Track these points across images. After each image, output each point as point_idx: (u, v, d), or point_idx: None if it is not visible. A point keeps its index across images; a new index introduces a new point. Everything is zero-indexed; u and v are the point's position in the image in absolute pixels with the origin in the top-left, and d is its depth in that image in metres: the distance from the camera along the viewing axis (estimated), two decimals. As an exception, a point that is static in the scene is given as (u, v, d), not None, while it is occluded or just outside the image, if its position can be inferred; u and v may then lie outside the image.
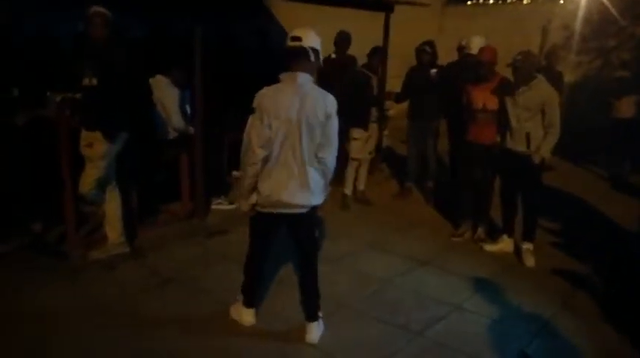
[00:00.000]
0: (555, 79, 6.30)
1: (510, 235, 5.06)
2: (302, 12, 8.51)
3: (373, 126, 6.25)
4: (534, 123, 4.62)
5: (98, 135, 4.27)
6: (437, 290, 4.32)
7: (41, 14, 6.59)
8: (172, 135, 5.48)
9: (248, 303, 3.68)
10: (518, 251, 4.96)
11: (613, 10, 9.89)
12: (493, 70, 4.97)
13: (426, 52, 6.04)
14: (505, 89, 4.79)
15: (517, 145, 4.70)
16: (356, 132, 6.01)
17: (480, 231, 5.26)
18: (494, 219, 5.33)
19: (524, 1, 11.55)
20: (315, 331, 3.53)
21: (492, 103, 4.87)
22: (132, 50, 4.61)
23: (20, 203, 4.66)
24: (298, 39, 3.19)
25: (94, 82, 4.23)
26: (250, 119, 3.27)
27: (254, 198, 3.35)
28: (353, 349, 3.49)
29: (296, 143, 3.23)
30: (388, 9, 6.98)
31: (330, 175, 3.43)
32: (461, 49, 6.33)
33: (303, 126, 3.20)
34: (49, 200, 4.73)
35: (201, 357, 3.35)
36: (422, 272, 4.64)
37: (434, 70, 6.04)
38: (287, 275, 4.37)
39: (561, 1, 10.94)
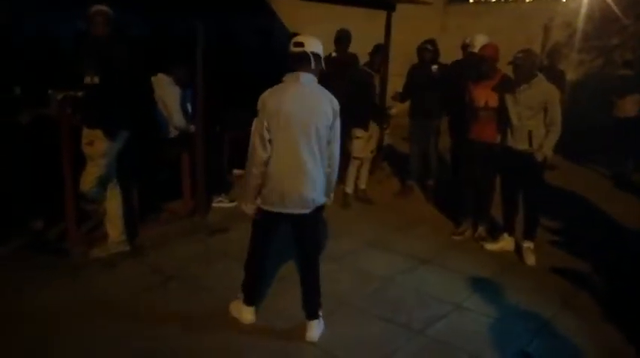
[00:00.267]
0: (557, 78, 6.29)
1: (511, 234, 5.05)
2: (303, 10, 8.53)
3: (374, 125, 6.24)
4: (536, 122, 4.61)
5: (99, 133, 4.27)
6: (438, 288, 4.31)
7: (42, 13, 6.60)
8: (173, 133, 5.48)
9: (248, 301, 3.69)
10: (519, 249, 4.96)
11: (615, 9, 9.86)
12: (495, 67, 4.96)
13: (427, 50, 6.04)
14: (506, 87, 4.78)
15: (519, 143, 4.69)
16: (358, 131, 6.00)
17: (481, 229, 5.26)
18: (495, 217, 5.33)
19: (527, 0, 11.53)
20: (315, 329, 3.54)
21: (494, 101, 4.86)
22: (133, 48, 4.61)
23: (21, 201, 4.67)
24: (301, 44, 3.31)
25: (96, 80, 4.24)
26: (254, 122, 3.32)
27: (258, 201, 3.39)
28: (354, 347, 3.49)
29: (301, 143, 3.25)
30: (390, 7, 6.97)
31: (334, 176, 3.53)
32: (465, 47, 6.32)
33: (308, 126, 3.23)
34: (50, 198, 4.73)
35: (202, 355, 3.36)
36: (423, 271, 4.64)
37: (435, 66, 6.03)
38: (288, 272, 4.37)
39: (563, 0, 10.91)
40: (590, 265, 4.81)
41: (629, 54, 9.49)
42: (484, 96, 4.92)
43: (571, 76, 8.59)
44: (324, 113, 3.28)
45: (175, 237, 5.00)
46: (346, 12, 6.83)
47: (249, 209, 3.45)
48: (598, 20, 10.31)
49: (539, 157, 4.62)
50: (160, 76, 5.42)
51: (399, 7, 6.98)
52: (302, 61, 3.30)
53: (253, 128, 3.32)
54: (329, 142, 3.37)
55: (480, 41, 5.71)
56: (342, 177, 5.95)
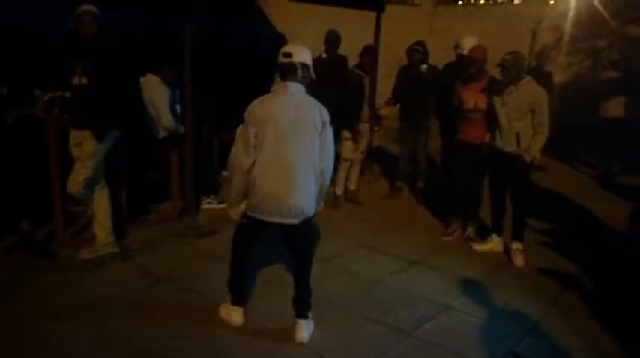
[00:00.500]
0: (545, 80, 6.32)
1: (500, 235, 5.08)
2: (293, 11, 8.52)
3: (365, 126, 6.25)
4: (524, 123, 4.64)
5: (87, 134, 4.25)
6: (427, 289, 4.32)
7: (29, 12, 6.54)
8: (162, 134, 5.46)
9: (236, 302, 3.68)
10: (507, 250, 4.98)
11: (603, 11, 9.94)
12: (484, 69, 4.98)
13: (417, 51, 6.05)
14: (494, 88, 4.80)
15: (507, 145, 4.72)
16: (348, 133, 6.01)
17: (470, 230, 5.28)
18: (484, 218, 5.35)
19: (515, 2, 11.59)
20: (304, 329, 3.54)
21: (483, 103, 4.88)
22: (122, 49, 4.59)
23: (8, 202, 4.62)
24: (289, 55, 3.33)
25: (84, 80, 4.22)
26: (239, 129, 3.34)
27: (243, 206, 3.43)
28: (342, 348, 3.49)
29: (289, 152, 3.26)
30: (380, 8, 6.98)
31: (325, 187, 3.53)
32: (457, 48, 6.34)
33: (297, 136, 3.25)
34: (37, 199, 4.69)
35: (191, 356, 3.34)
36: (412, 272, 4.65)
37: (424, 66, 6.03)
38: (276, 275, 4.36)
39: (551, 2, 10.99)
40: (579, 266, 4.84)
41: (616, 55, 9.56)
42: (473, 98, 4.94)
43: (559, 77, 8.64)
44: (313, 122, 3.29)
45: (164, 239, 4.98)
46: (336, 13, 6.83)
47: (234, 214, 3.50)
48: (585, 23, 10.38)
49: (527, 159, 4.64)
50: (149, 76, 5.40)
51: (388, 8, 7.00)
52: (290, 72, 3.32)
53: (237, 135, 3.34)
54: (322, 153, 3.36)
55: (468, 43, 5.73)
56: (332, 179, 5.95)
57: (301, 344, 3.48)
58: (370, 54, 6.33)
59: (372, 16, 6.96)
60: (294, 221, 3.36)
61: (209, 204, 5.86)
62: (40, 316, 3.63)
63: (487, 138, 4.93)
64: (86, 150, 4.28)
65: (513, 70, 4.58)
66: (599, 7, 9.93)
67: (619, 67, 8.10)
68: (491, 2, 11.95)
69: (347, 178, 6.34)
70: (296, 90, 3.32)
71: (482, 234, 5.24)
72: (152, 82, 5.39)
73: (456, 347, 3.54)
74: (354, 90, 6.03)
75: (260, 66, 6.71)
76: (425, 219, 5.95)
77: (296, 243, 3.54)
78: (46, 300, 3.84)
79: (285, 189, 3.28)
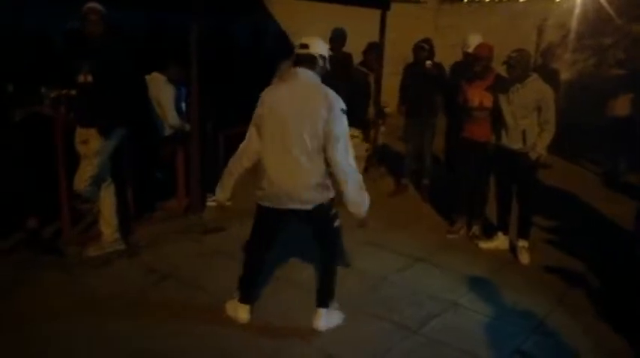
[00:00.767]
0: (551, 77, 6.30)
1: (505, 232, 5.07)
2: (298, 8, 8.52)
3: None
4: (530, 121, 4.62)
5: (93, 131, 4.26)
6: (432, 287, 4.32)
7: (35, 11, 6.56)
8: (168, 132, 5.47)
9: (243, 299, 3.69)
10: (513, 248, 4.97)
11: (609, 9, 9.90)
12: (489, 67, 4.97)
13: (423, 49, 6.04)
14: (500, 86, 4.79)
15: (513, 143, 4.70)
16: (355, 130, 6.00)
17: (475, 228, 5.27)
18: (490, 216, 5.34)
19: (520, 0, 11.56)
20: (321, 318, 3.58)
21: (488, 101, 4.86)
22: (127, 47, 4.60)
23: (15, 199, 4.64)
24: (306, 46, 3.36)
25: (90, 78, 4.23)
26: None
27: (228, 192, 3.56)
28: (348, 345, 3.48)
29: (293, 140, 3.25)
30: (385, 6, 6.97)
31: (344, 175, 3.29)
32: (463, 47, 6.31)
33: (301, 123, 3.23)
34: (44, 196, 4.71)
35: (197, 354, 3.35)
36: (418, 269, 4.64)
37: (429, 62, 6.02)
38: (284, 272, 4.37)
39: (557, 0, 10.95)
40: (585, 264, 4.83)
41: (622, 53, 9.53)
42: (478, 96, 4.93)
43: (564, 75, 8.61)
44: (317, 110, 3.22)
45: (170, 236, 4.99)
46: (340, 11, 6.83)
47: (218, 195, 3.61)
48: (591, 20, 10.35)
49: (533, 156, 4.63)
50: (155, 74, 5.42)
51: (393, 6, 6.99)
52: (307, 62, 3.34)
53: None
54: (329, 140, 3.22)
55: (473, 41, 5.71)
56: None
57: (307, 342, 3.48)
58: (374, 51, 6.32)
59: (377, 13, 6.95)
60: (307, 206, 3.35)
61: (215, 202, 5.85)
62: (43, 315, 3.63)
63: (493, 139, 4.91)
64: (92, 147, 4.29)
65: (519, 67, 4.57)
66: (605, 5, 9.90)
67: (625, 65, 8.07)
68: (496, 0, 11.91)
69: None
70: (306, 76, 3.33)
71: (488, 232, 5.23)
72: (157, 80, 5.40)
73: (462, 345, 3.54)
74: (360, 88, 6.02)
75: (262, 64, 6.73)
76: (430, 217, 5.94)
77: (314, 230, 3.55)
78: (50, 298, 3.85)
79: (287, 177, 3.28)
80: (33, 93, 4.73)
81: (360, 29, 6.63)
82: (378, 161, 7.36)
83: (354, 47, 6.35)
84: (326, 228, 3.53)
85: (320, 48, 3.40)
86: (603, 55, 10.42)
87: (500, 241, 5.06)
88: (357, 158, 6.11)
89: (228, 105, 5.94)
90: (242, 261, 3.68)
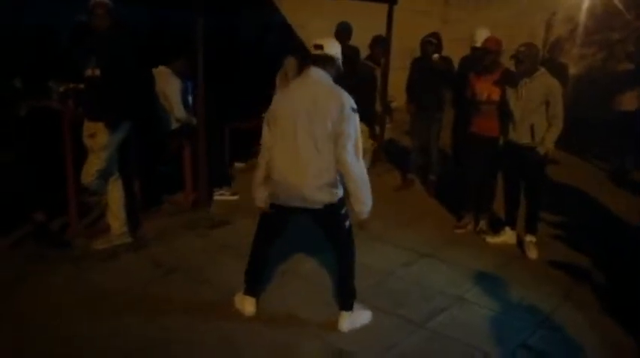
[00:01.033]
0: (559, 71, 6.26)
1: (513, 227, 5.06)
2: (304, 3, 8.51)
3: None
4: (538, 116, 4.60)
5: (101, 125, 4.28)
6: (439, 281, 4.32)
7: (42, 4, 6.57)
8: (175, 125, 5.48)
9: (249, 292, 3.70)
10: (521, 243, 4.96)
11: (618, 3, 9.84)
12: (498, 61, 4.95)
13: (431, 43, 6.01)
14: (508, 80, 4.77)
15: (521, 137, 4.68)
16: (363, 124, 5.98)
17: (483, 223, 5.26)
18: (497, 210, 5.33)
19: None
20: (344, 320, 3.57)
21: (496, 95, 4.85)
22: (134, 41, 4.61)
23: (23, 193, 4.66)
24: (320, 47, 3.39)
25: (97, 72, 4.23)
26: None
27: (265, 192, 3.43)
28: (354, 339, 3.49)
29: (302, 139, 3.24)
30: (392, 0, 6.95)
31: (353, 176, 3.28)
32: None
33: (313, 120, 3.22)
34: (51, 190, 4.73)
35: (203, 347, 3.36)
36: (424, 264, 4.64)
37: (436, 55, 5.99)
38: (290, 266, 4.39)
39: (565, -6, 10.90)
40: (592, 259, 4.82)
41: (631, 48, 9.46)
42: (486, 89, 4.91)
43: (572, 70, 8.56)
44: (328, 110, 3.21)
45: (177, 230, 5.01)
46: (347, 5, 6.82)
47: (256, 199, 3.49)
48: (600, 14, 10.29)
49: (541, 151, 4.61)
50: (161, 68, 5.42)
51: (400, 0, 6.97)
52: (322, 63, 3.37)
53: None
54: (340, 140, 3.21)
55: (480, 35, 5.69)
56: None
57: (314, 335, 3.49)
58: (380, 44, 6.30)
59: (383, 8, 6.94)
60: (317, 206, 3.34)
61: (222, 196, 5.87)
62: (53, 305, 3.67)
63: (501, 140, 4.90)
64: (99, 141, 4.31)
65: (528, 61, 4.54)
66: (614, -1, 9.85)
67: (634, 59, 8.01)
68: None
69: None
70: (318, 76, 3.33)
71: (495, 227, 5.22)
72: (164, 73, 5.41)
73: (468, 339, 3.54)
74: (367, 82, 6.00)
75: (266, 59, 6.72)
76: (436, 212, 5.93)
77: (326, 230, 3.54)
78: (58, 290, 3.88)
79: (297, 176, 3.27)
80: (40, 88, 4.75)
81: (367, 24, 6.61)
82: (385, 155, 7.36)
83: (361, 43, 6.33)
84: (337, 228, 3.50)
85: (333, 48, 3.42)
86: (611, 50, 10.35)
87: (508, 236, 5.06)
88: (363, 151, 6.18)
89: (232, 101, 5.95)
90: (248, 255, 3.69)
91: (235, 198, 5.82)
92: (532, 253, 4.81)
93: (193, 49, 5.09)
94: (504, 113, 4.81)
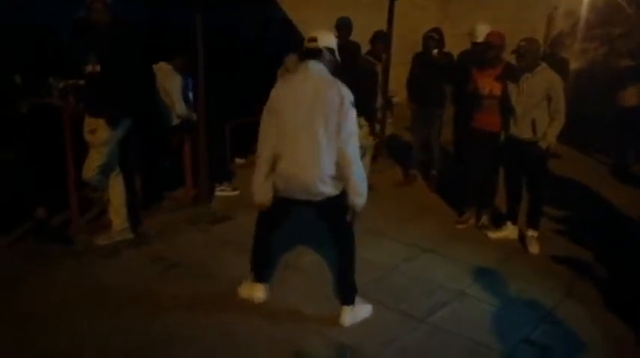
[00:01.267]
0: (560, 66, 6.25)
1: (514, 222, 5.05)
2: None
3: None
4: (540, 110, 4.59)
5: (102, 121, 4.27)
6: (441, 276, 4.32)
7: (43, 4, 6.56)
8: (175, 121, 5.48)
9: (258, 278, 3.72)
10: (522, 238, 4.96)
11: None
12: (500, 55, 4.93)
13: (432, 38, 6.00)
14: (509, 75, 4.76)
15: (523, 132, 4.67)
16: (360, 120, 5.97)
17: (484, 218, 5.25)
18: (499, 206, 5.33)
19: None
20: (345, 314, 3.57)
21: (498, 89, 4.84)
22: (134, 36, 4.60)
23: (24, 189, 4.66)
24: (314, 40, 3.39)
25: (97, 68, 4.23)
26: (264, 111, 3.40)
27: (269, 192, 3.42)
28: (356, 334, 3.49)
29: (304, 131, 3.25)
30: (393, -5, 6.94)
31: (351, 170, 3.28)
32: (470, 36, 6.27)
33: (315, 114, 3.22)
34: (53, 186, 4.73)
35: (206, 342, 3.36)
36: (426, 259, 4.64)
37: (436, 50, 5.98)
38: (292, 260, 4.39)
39: (567, -12, 10.86)
40: (594, 253, 4.81)
41: (633, 43, 9.44)
42: (488, 84, 4.90)
43: (574, 65, 8.54)
44: (330, 103, 3.22)
45: (178, 225, 5.01)
46: (349, 1, 6.81)
47: (258, 197, 3.43)
48: (601, 9, 10.26)
49: (542, 146, 4.60)
50: (161, 64, 5.42)
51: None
52: (316, 55, 3.36)
53: (262, 115, 3.42)
54: (340, 132, 3.22)
55: (481, 30, 5.68)
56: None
57: (316, 330, 3.49)
58: (381, 40, 6.28)
59: (384, 3, 6.92)
60: (317, 199, 3.35)
61: (223, 191, 5.87)
62: (55, 302, 3.67)
63: (502, 135, 4.89)
64: (100, 137, 4.30)
65: (529, 56, 4.53)
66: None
67: (635, 56, 7.99)
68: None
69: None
70: (316, 69, 3.33)
71: (497, 222, 5.21)
72: (165, 69, 5.40)
73: (470, 334, 3.54)
74: (367, 77, 5.99)
75: (267, 56, 6.71)
76: (438, 207, 5.92)
77: (328, 223, 3.56)
78: (60, 286, 3.88)
79: (300, 169, 3.27)
80: (40, 84, 4.74)
81: (369, 20, 6.60)
82: (386, 151, 7.34)
83: (362, 39, 6.31)
84: (340, 220, 3.49)
85: (328, 41, 3.41)
86: (613, 45, 10.32)
87: (510, 231, 5.05)
88: (363, 147, 6.18)
89: (232, 98, 5.94)
90: (250, 249, 3.68)
91: (236, 193, 5.83)
92: (534, 248, 4.81)
93: (194, 46, 5.07)
94: (506, 108, 4.80)
